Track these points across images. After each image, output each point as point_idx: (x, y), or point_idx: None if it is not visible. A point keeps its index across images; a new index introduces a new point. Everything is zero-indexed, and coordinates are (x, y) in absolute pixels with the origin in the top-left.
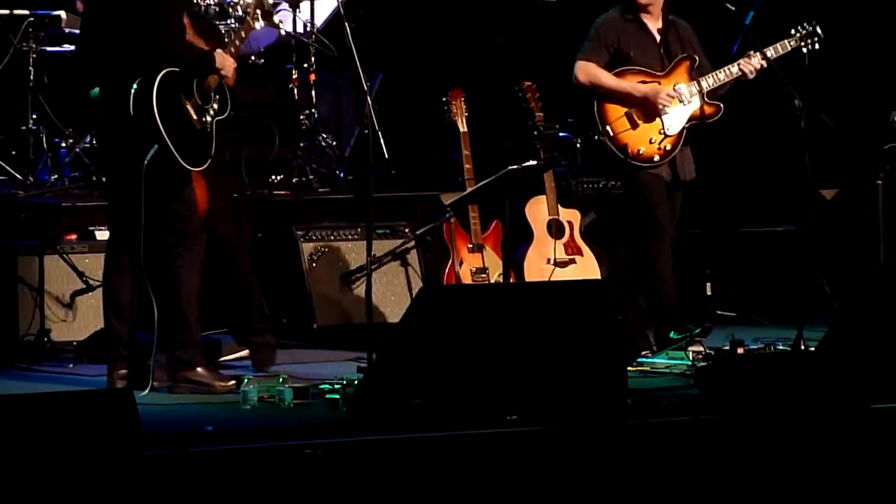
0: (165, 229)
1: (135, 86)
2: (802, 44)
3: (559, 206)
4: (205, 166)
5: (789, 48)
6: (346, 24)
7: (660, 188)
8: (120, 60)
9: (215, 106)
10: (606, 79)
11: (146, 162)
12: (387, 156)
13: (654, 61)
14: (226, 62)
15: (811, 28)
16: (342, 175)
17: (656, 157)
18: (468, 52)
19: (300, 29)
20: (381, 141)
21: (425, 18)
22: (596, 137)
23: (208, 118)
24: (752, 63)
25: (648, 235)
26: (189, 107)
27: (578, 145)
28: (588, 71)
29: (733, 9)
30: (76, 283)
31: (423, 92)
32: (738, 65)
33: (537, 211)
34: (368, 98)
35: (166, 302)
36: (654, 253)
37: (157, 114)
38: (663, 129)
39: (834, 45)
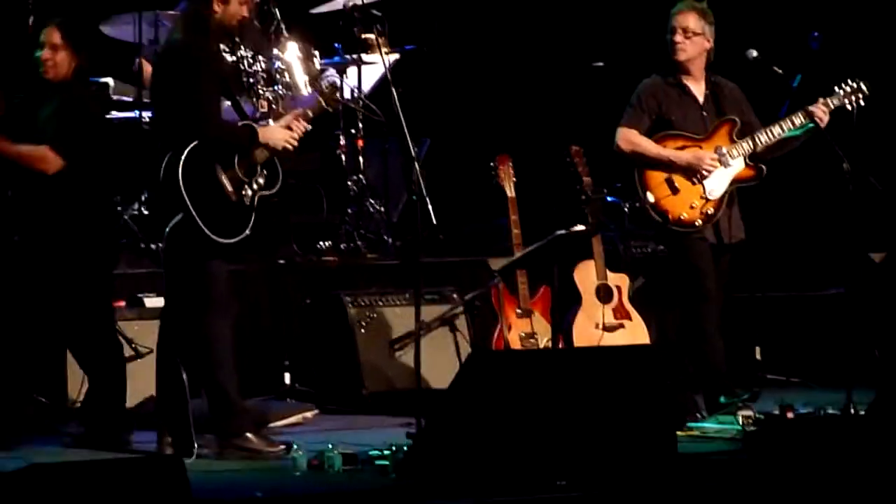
0: (195, 296)
1: (168, 156)
2: (847, 101)
3: (607, 271)
4: (237, 239)
5: (836, 105)
6: (394, 89)
7: (705, 252)
8: (160, 131)
9: (260, 180)
10: (647, 146)
11: (168, 229)
12: (434, 221)
13: (696, 125)
14: (274, 135)
15: (856, 85)
16: (390, 241)
17: (698, 222)
18: (516, 117)
19: (347, 94)
20: (429, 206)
21: (473, 83)
22: (637, 204)
23: (249, 192)
24: (820, 108)
25: (696, 299)
26: (225, 178)
27: (626, 210)
28: (629, 138)
29: (781, 72)
30: (126, 351)
31: (470, 157)
32: (806, 114)
33: (585, 276)
34: (416, 163)
35: (204, 371)
36: (702, 317)
37: (181, 183)
38: (705, 193)
39: (882, 106)
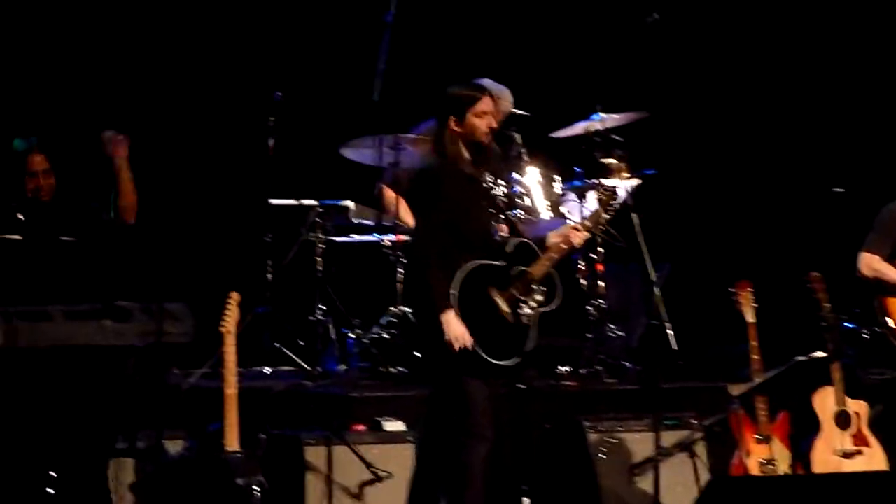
0: (457, 420)
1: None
2: None
3: (846, 397)
4: (515, 361)
5: None
6: (633, 214)
7: None
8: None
9: (538, 297)
10: (890, 273)
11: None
12: (675, 346)
13: None
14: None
15: None
16: (630, 366)
17: None
18: (756, 243)
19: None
20: (669, 332)
21: (713, 208)
22: (877, 329)
23: (527, 310)
24: None
25: None
26: (499, 299)
27: (865, 336)
28: (871, 264)
29: None
30: (365, 475)
31: (710, 283)
32: None
33: (825, 402)
34: (656, 288)
35: (454, 495)
36: None
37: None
38: None
39: None
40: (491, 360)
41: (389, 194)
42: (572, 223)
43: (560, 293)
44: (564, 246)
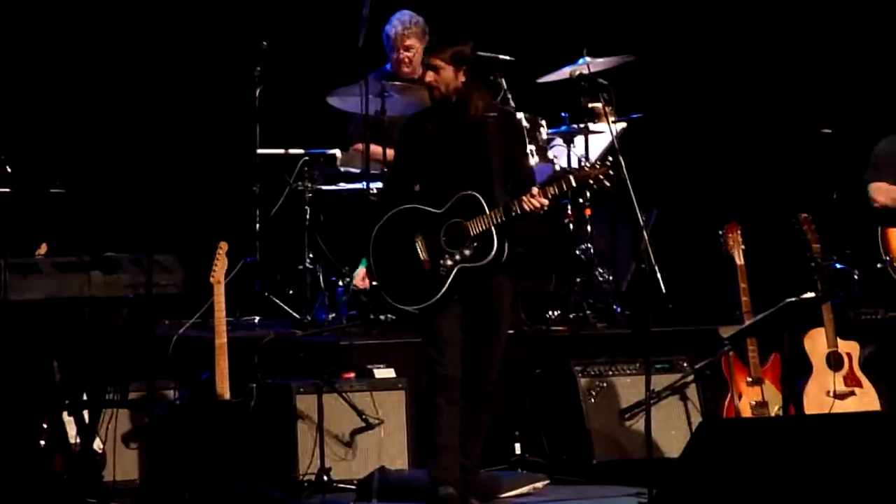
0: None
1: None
2: None
3: (838, 338)
4: (417, 308)
5: None
6: (621, 158)
7: None
8: None
9: (466, 252)
10: None
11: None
12: (664, 290)
13: None
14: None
15: None
16: (619, 310)
17: None
18: (744, 185)
19: (574, 164)
20: (658, 275)
21: (700, 151)
22: (879, 266)
23: (449, 262)
24: None
25: None
26: (421, 246)
27: (856, 276)
28: (886, 191)
29: None
30: (356, 422)
31: (699, 226)
32: None
33: (816, 343)
34: (644, 233)
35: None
36: None
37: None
38: None
39: None
40: (394, 302)
41: (357, 149)
42: (536, 188)
43: (497, 251)
44: (515, 209)
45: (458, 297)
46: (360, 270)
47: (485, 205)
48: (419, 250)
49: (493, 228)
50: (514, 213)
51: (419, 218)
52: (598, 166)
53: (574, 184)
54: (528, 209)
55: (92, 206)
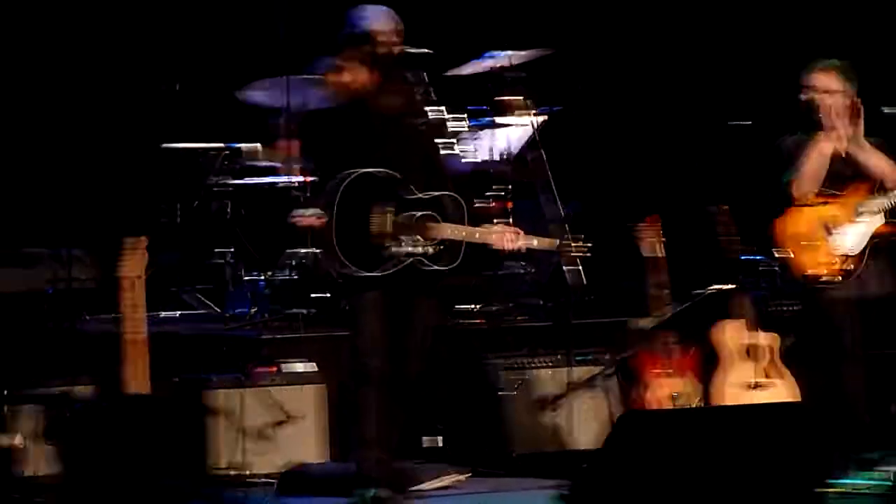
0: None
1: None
2: None
3: (757, 330)
4: (365, 274)
5: None
6: (542, 150)
7: (843, 308)
8: None
9: (424, 248)
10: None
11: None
12: (585, 282)
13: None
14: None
15: None
16: (540, 303)
17: (838, 278)
18: (661, 178)
19: (496, 157)
20: (580, 268)
21: (618, 144)
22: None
23: (402, 248)
24: None
25: (835, 357)
26: (379, 216)
27: (776, 268)
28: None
29: None
30: (276, 416)
31: (620, 217)
32: None
33: (724, 335)
34: (565, 225)
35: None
36: (842, 375)
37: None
38: (843, 249)
39: None
40: (343, 257)
41: (282, 146)
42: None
43: (455, 267)
44: (491, 240)
45: (395, 286)
46: (311, 210)
47: (466, 214)
48: (387, 221)
49: (464, 245)
50: (488, 245)
51: (397, 191)
52: (580, 244)
53: (555, 249)
54: (507, 249)
55: (8, 202)
